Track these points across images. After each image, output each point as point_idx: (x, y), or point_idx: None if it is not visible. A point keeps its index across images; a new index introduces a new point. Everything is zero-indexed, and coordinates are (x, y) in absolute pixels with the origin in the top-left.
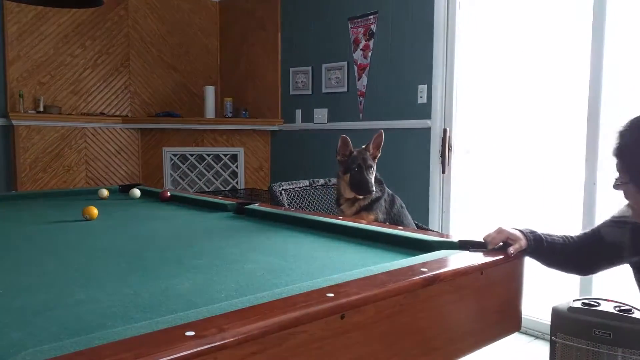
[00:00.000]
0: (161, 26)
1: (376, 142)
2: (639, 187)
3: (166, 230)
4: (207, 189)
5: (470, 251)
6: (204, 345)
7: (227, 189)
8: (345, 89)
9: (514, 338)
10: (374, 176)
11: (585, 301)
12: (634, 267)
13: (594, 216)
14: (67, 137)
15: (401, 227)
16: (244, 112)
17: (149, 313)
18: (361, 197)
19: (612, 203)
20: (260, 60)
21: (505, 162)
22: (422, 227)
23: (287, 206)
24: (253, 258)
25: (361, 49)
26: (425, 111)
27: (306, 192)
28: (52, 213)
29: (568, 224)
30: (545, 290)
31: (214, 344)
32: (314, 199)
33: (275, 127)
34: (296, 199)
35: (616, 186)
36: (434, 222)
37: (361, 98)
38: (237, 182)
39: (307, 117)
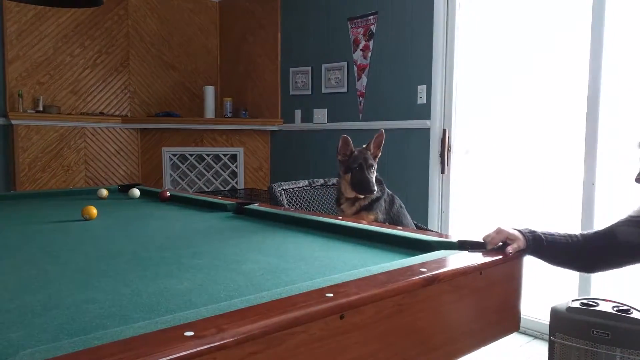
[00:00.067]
0: (161, 26)
1: (377, 142)
2: None
3: (165, 230)
4: (206, 189)
5: (469, 251)
6: (203, 345)
7: (227, 189)
8: (345, 89)
9: (513, 338)
10: (374, 176)
11: (584, 301)
12: None
13: (593, 216)
14: (66, 137)
15: (400, 227)
16: (243, 112)
17: (148, 313)
18: (362, 196)
19: (610, 203)
20: (260, 60)
21: (504, 162)
22: (422, 227)
23: (286, 206)
24: (252, 258)
25: (361, 49)
26: (424, 111)
27: (306, 192)
28: (51, 213)
29: (567, 224)
30: (544, 290)
31: (213, 344)
32: (314, 199)
33: (275, 127)
34: (296, 199)
35: (638, 179)
36: (433, 222)
37: (361, 98)
38: (236, 182)
39: (307, 117)
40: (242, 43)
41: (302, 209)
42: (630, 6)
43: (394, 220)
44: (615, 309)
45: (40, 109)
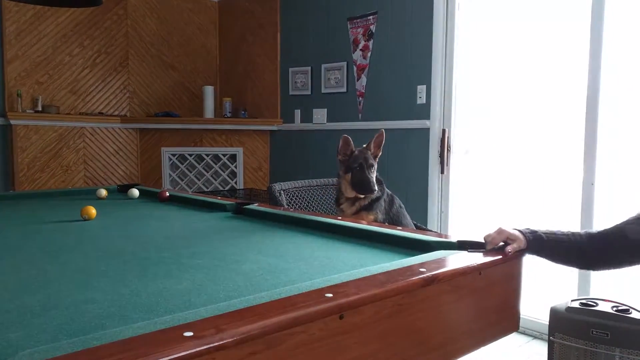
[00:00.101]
0: (160, 26)
1: (377, 141)
2: None
3: (164, 231)
4: (206, 189)
5: (468, 251)
6: (202, 345)
7: (226, 189)
8: (344, 89)
9: (512, 338)
10: (375, 175)
11: (583, 301)
12: None
13: (592, 216)
14: (65, 137)
15: (400, 227)
16: (243, 112)
17: (147, 313)
18: (362, 196)
19: (610, 203)
20: (260, 60)
21: (504, 162)
22: (421, 227)
23: (286, 206)
24: (252, 258)
25: (360, 49)
26: (424, 112)
27: (305, 192)
28: (50, 213)
29: (566, 224)
30: (543, 290)
31: (212, 345)
32: (313, 199)
33: (275, 127)
34: (295, 199)
35: None
36: (432, 222)
37: (360, 98)
38: (236, 182)
39: (307, 117)
40: (241, 43)
41: (301, 209)
42: (630, 6)
43: (393, 220)
44: (615, 309)
45: (39, 108)
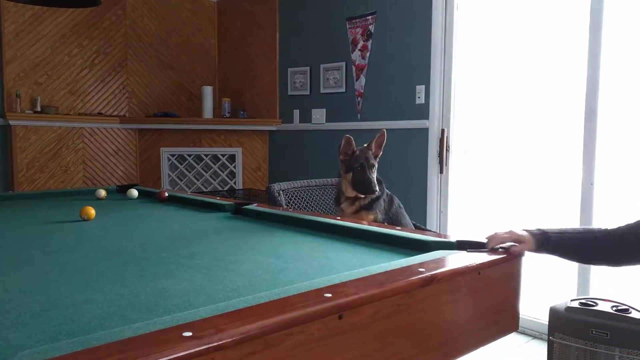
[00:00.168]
0: (159, 26)
1: (379, 141)
2: None
3: (164, 231)
4: (205, 190)
5: (468, 251)
6: (201, 345)
7: (225, 189)
8: (343, 89)
9: (512, 338)
10: (375, 175)
11: (583, 301)
12: None
13: (592, 216)
14: (64, 137)
15: (399, 227)
16: (242, 113)
17: (147, 313)
18: (362, 196)
19: (609, 203)
20: (258, 60)
21: (503, 162)
22: (420, 227)
23: (285, 206)
24: (251, 258)
25: (359, 50)
26: (423, 112)
27: (304, 192)
28: (49, 213)
29: (566, 224)
30: (543, 290)
31: (211, 345)
32: (312, 199)
33: (273, 128)
34: (294, 199)
35: None
36: (431, 222)
37: (359, 98)
38: (235, 183)
39: (305, 118)
40: (240, 43)
41: (300, 209)
42: (629, 5)
43: (392, 220)
44: (614, 308)
45: (38, 109)
